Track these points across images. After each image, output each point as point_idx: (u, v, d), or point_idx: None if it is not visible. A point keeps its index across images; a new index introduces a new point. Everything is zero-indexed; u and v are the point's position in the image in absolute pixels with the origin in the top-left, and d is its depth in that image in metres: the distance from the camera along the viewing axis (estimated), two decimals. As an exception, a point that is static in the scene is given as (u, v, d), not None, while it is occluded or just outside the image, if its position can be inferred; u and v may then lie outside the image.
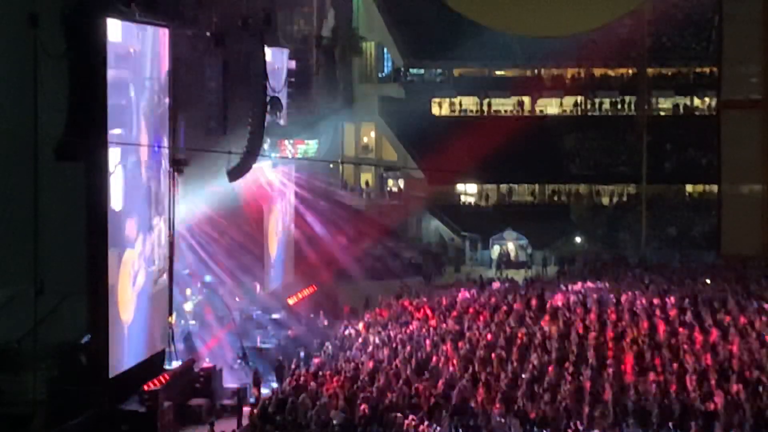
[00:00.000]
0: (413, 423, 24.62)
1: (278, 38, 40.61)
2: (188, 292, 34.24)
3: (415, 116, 60.91)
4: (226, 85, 33.47)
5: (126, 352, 26.74)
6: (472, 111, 63.96)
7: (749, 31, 51.66)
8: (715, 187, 55.50)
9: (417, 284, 46.14)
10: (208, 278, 35.85)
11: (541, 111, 64.48)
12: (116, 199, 26.22)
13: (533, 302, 37.96)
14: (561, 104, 64.62)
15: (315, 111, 46.90)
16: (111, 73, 25.69)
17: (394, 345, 32.19)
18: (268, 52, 37.13)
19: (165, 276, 29.67)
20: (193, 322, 33.45)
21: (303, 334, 36.32)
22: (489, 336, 32.69)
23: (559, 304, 37.61)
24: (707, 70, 62.06)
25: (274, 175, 41.60)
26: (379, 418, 25.44)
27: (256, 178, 39.07)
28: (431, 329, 34.15)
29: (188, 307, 33.67)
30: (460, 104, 64.22)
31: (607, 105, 64.10)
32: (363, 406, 25.84)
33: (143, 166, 28.09)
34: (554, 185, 61.74)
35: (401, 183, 61.87)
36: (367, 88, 62.69)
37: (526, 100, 64.21)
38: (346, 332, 35.03)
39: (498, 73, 65.85)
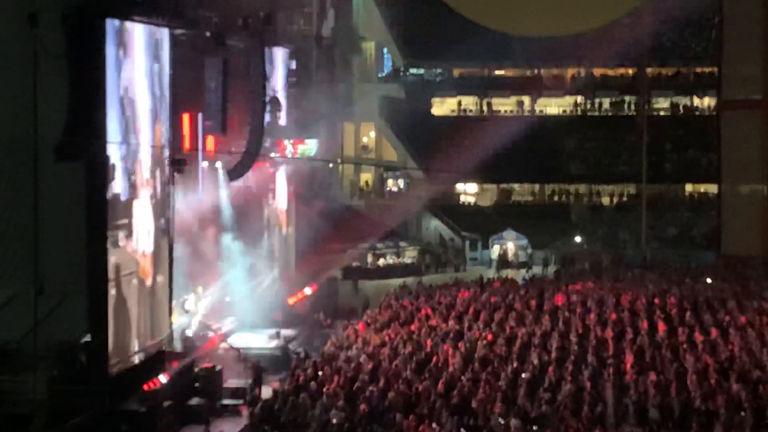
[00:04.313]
0: (413, 423, 24.62)
1: (278, 38, 40.59)
2: (188, 291, 34.20)
3: (415, 116, 60.97)
4: (226, 85, 33.47)
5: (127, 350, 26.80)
6: (472, 111, 63.97)
7: (749, 31, 51.60)
8: (715, 187, 55.47)
9: (417, 284, 46.12)
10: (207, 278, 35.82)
11: (541, 111, 64.49)
12: (116, 199, 26.25)
13: (533, 302, 37.99)
14: (561, 104, 64.63)
15: (315, 111, 46.83)
16: (111, 74, 25.69)
17: (394, 345, 32.19)
18: (268, 52, 37.10)
19: (165, 276, 29.66)
20: (193, 320, 33.44)
21: (303, 334, 36.28)
22: (489, 336, 32.70)
23: (559, 304, 37.63)
24: (707, 70, 62.07)
25: (274, 175, 41.57)
26: (379, 418, 25.44)
27: (255, 177, 39.06)
28: (431, 329, 34.15)
29: (188, 306, 33.64)
30: (460, 104, 64.21)
31: (607, 105, 64.17)
32: (363, 406, 25.84)
33: (143, 167, 28.07)
34: (554, 185, 61.74)
35: (401, 183, 61.85)
36: (367, 88, 62.64)
37: (526, 100, 64.24)
38: (346, 332, 35.03)
39: (498, 73, 65.90)
